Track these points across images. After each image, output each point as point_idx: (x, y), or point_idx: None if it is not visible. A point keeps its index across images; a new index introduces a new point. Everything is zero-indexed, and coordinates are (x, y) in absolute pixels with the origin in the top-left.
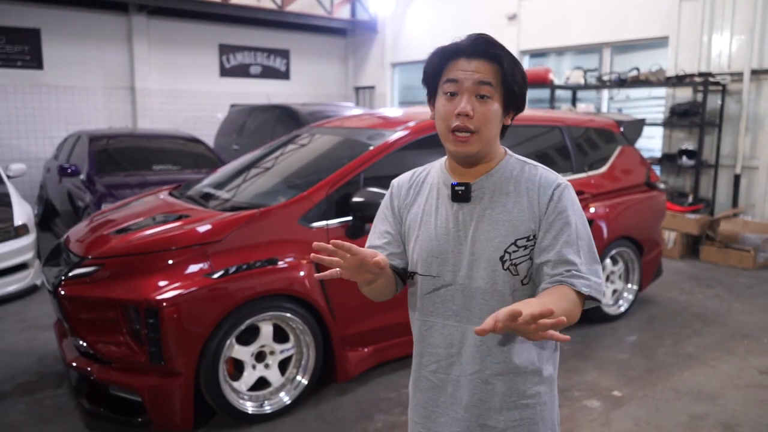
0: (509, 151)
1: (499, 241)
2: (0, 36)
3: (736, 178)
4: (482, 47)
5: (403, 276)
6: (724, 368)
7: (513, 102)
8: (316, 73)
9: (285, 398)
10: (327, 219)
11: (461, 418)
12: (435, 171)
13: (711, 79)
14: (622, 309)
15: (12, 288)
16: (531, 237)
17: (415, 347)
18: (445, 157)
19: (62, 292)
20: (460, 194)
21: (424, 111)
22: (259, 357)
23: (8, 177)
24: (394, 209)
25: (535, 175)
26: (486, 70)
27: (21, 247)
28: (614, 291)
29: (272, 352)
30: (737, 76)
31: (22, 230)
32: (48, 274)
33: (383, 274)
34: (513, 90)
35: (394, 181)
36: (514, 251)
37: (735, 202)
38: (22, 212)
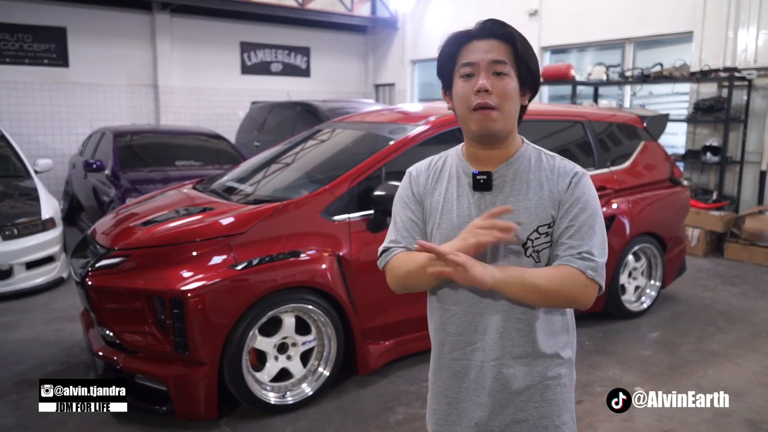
0: (526, 140)
1: (521, 229)
2: (27, 34)
3: (762, 175)
4: (493, 28)
5: None
6: (749, 365)
7: (529, 80)
8: (336, 71)
9: (307, 389)
10: (349, 212)
11: (485, 403)
12: (452, 158)
13: (736, 75)
14: (645, 305)
15: (40, 280)
16: (551, 224)
17: (434, 335)
18: (461, 144)
19: (89, 283)
20: (482, 183)
21: (444, 106)
22: (282, 348)
23: (36, 172)
24: (415, 195)
25: (553, 164)
26: (500, 49)
27: (48, 240)
28: (636, 287)
29: (294, 344)
30: (764, 71)
31: (49, 224)
32: (75, 266)
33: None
34: (528, 67)
35: (411, 169)
36: (536, 238)
37: (761, 200)
38: (49, 206)
